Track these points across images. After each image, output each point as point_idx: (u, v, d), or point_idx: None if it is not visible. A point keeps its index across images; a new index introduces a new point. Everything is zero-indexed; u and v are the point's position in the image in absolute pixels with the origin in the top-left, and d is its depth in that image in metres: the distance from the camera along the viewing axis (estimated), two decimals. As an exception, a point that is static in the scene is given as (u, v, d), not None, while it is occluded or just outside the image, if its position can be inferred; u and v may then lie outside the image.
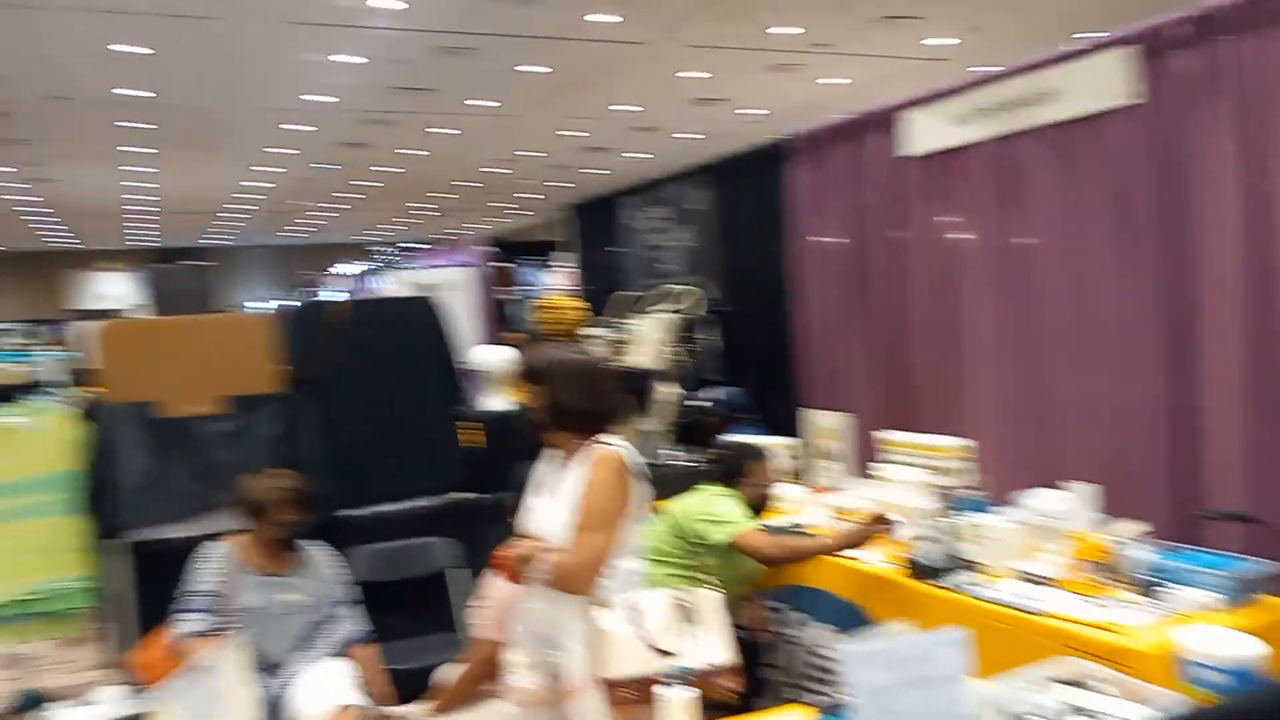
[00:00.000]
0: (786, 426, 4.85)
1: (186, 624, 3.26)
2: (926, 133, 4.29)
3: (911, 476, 3.81)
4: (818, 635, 3.63)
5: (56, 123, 13.58)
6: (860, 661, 1.83)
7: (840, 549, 3.44)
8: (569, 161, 19.12)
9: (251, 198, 22.17)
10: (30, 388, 3.81)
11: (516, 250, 11.94)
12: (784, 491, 4.26)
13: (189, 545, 3.77)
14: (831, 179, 4.89)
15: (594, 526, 2.49)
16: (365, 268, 14.93)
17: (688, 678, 2.25)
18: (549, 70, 12.25)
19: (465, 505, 4.21)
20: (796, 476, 4.56)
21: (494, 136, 16.18)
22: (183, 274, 5.17)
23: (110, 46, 10.29)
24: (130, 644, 3.75)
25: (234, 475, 3.87)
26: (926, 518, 3.40)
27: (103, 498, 3.68)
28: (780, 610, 3.77)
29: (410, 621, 3.67)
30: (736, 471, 3.73)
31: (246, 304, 26.38)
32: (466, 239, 10.34)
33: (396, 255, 11.80)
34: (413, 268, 10.23)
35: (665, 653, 2.37)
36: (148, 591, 3.79)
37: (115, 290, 31.60)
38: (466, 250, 9.99)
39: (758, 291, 5.53)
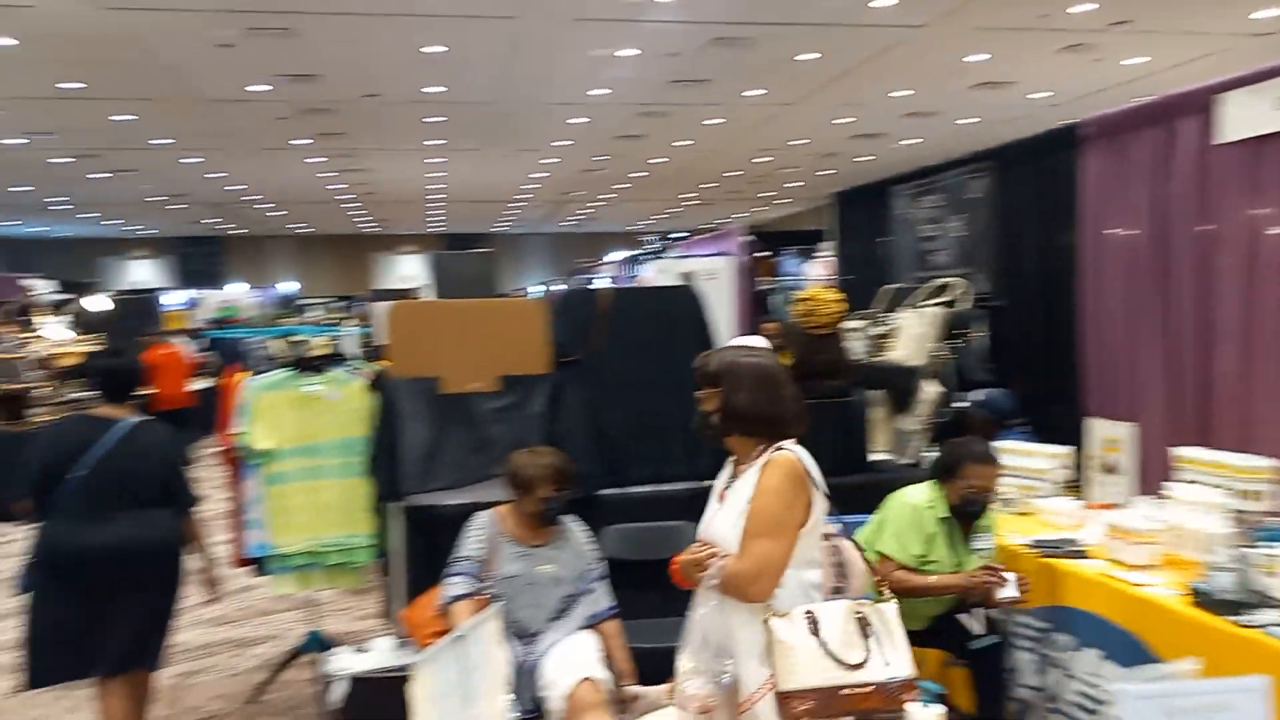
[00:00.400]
0: (1060, 434, 4.49)
1: (453, 587, 3.48)
2: (1246, 117, 3.81)
3: (1207, 498, 3.42)
4: (1089, 663, 3.34)
5: (369, 119, 14.96)
6: (1139, 703, 1.64)
7: (947, 592, 3.36)
8: (837, 149, 18.77)
9: (534, 188, 23.51)
10: (333, 359, 4.15)
11: (777, 240, 11.82)
12: (1055, 505, 3.96)
13: (459, 513, 4.03)
14: (1131, 166, 4.47)
15: (764, 533, 2.43)
16: (631, 255, 15.35)
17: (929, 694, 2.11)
18: (823, 57, 12.04)
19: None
20: (1071, 489, 4.22)
21: (764, 126, 16.17)
22: (466, 260, 5.57)
23: (422, 50, 11.16)
24: (402, 600, 4.06)
25: (504, 450, 4.10)
26: (1222, 545, 3.04)
27: (386, 464, 4.00)
28: (1045, 631, 3.50)
29: (655, 602, 3.71)
30: (951, 470, 3.56)
31: (529, 288, 27.95)
32: (729, 228, 10.37)
33: (661, 243, 12.05)
34: (675, 256, 10.37)
35: (849, 665, 2.30)
36: (419, 553, 4.08)
37: (413, 272, 34.53)
38: (727, 239, 10.01)
39: (1037, 286, 5.16)
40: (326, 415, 4.10)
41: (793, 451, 2.51)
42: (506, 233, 34.38)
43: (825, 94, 13.96)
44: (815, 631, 2.34)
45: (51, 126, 14.70)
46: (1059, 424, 4.70)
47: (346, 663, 3.87)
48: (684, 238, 12.72)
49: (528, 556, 3.56)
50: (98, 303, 10.91)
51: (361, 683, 3.75)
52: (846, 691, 2.28)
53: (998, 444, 4.47)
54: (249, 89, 12.78)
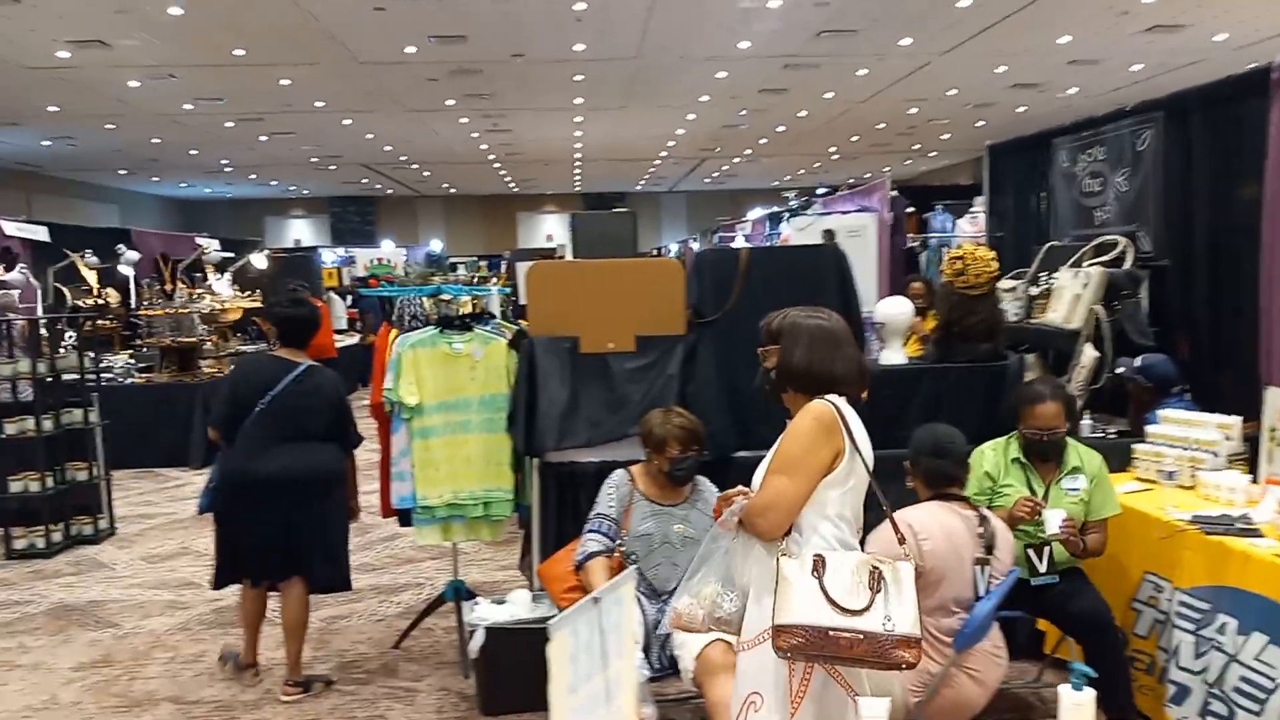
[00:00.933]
0: (1228, 403, 4.17)
1: (588, 544, 3.52)
2: None
3: (1407, 479, 3.11)
4: (1255, 648, 3.11)
5: (515, 79, 15.16)
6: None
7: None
8: (992, 99, 17.94)
9: (674, 145, 23.42)
10: (478, 317, 4.23)
11: (925, 195, 11.39)
12: (1221, 479, 3.69)
13: (594, 470, 4.08)
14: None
15: (779, 469, 2.48)
16: (771, 212, 15.09)
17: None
18: (980, 2, 11.48)
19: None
20: (1239, 462, 3.92)
21: (915, 76, 15.57)
22: (605, 220, 5.56)
23: (571, 6, 11.18)
24: (539, 553, 4.14)
25: (639, 409, 4.10)
26: None
27: (525, 420, 4.06)
28: (1207, 613, 3.28)
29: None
30: (1015, 414, 3.78)
31: (669, 246, 27.95)
32: (873, 183, 10.03)
33: (804, 199, 11.76)
34: (817, 213, 10.12)
35: (846, 609, 2.32)
36: (555, 508, 4.15)
37: (554, 231, 35.08)
38: (872, 194, 9.69)
39: (1206, 246, 4.78)
40: (470, 372, 4.19)
41: (831, 402, 2.50)
42: (645, 191, 34.46)
43: (981, 41, 13.32)
44: (818, 574, 2.37)
45: (219, 91, 15.48)
46: (1227, 392, 4.37)
47: (485, 614, 3.99)
48: (826, 193, 12.38)
49: (660, 515, 3.57)
50: (261, 260, 11.49)
51: (497, 634, 3.86)
52: (835, 634, 2.31)
53: (1162, 412, 4.22)
54: (403, 50, 13.11)
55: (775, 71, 15.11)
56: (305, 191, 32.21)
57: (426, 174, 28.13)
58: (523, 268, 4.87)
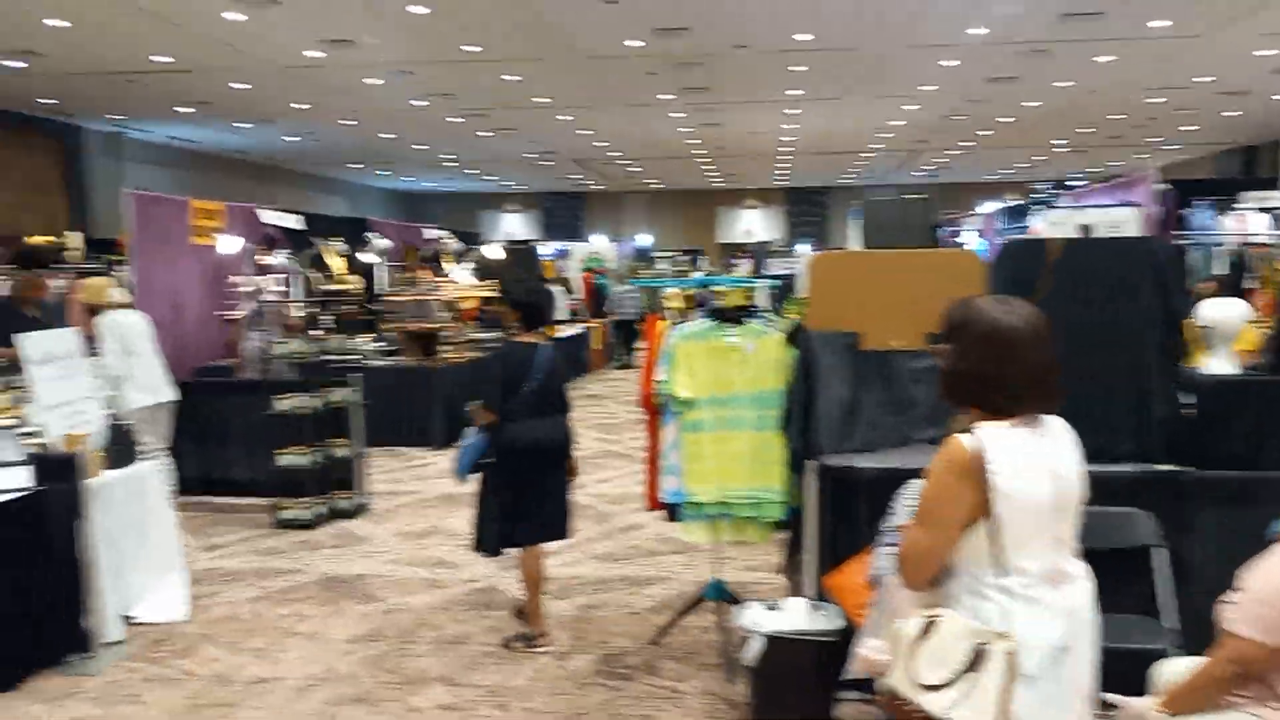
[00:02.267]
0: None
1: (887, 559, 3.29)
2: None
3: None
4: None
5: (734, 71, 15.03)
6: None
7: None
8: (1252, 86, 16.37)
9: (888, 137, 22.69)
10: (750, 311, 4.07)
11: (1187, 189, 10.42)
12: None
13: (876, 476, 3.83)
14: None
15: (916, 519, 2.27)
16: (1008, 205, 14.28)
17: None
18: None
19: (1170, 478, 3.70)
20: None
21: (1164, 62, 14.40)
22: (897, 206, 5.27)
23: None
24: (813, 561, 3.94)
25: (926, 413, 3.84)
26: None
27: (800, 420, 3.88)
28: None
29: (1103, 596, 3.30)
30: None
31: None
32: (1135, 175, 9.25)
33: (1049, 193, 11.02)
34: (1069, 206, 9.43)
35: (920, 682, 2.09)
36: (832, 514, 3.93)
37: (754, 226, 34.83)
38: (1134, 188, 8.93)
39: None
40: (742, 367, 4.05)
41: (975, 438, 2.14)
42: (850, 184, 33.63)
43: (1246, 21, 12.11)
44: (922, 635, 2.15)
45: (451, 88, 16.13)
46: None
47: (758, 619, 3.83)
48: (1074, 187, 11.57)
49: (967, 533, 3.29)
50: (494, 251, 11.85)
51: (777, 642, 3.69)
52: (900, 703, 2.15)
53: None
54: (625, 44, 13.22)
55: (1008, 59, 14.32)
56: (520, 187, 33.31)
57: (635, 169, 28.49)
58: (803, 258, 4.68)
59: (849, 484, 3.91)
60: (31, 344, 4.59)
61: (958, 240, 14.53)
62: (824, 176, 31.43)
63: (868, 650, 2.56)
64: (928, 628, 2.17)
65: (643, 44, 13.28)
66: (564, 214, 34.35)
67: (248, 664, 4.47)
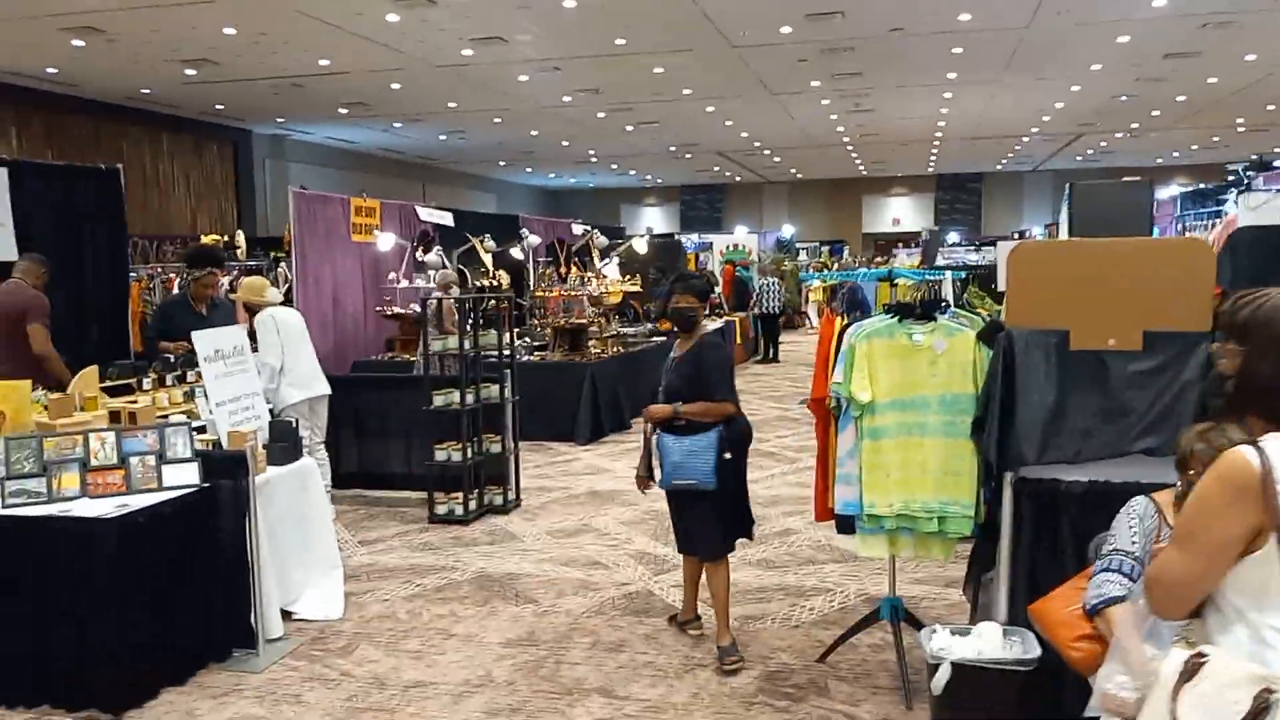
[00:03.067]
0: None
1: (1107, 586, 2.90)
2: None
3: None
4: None
5: (888, 56, 14.45)
6: None
7: None
8: None
9: (1048, 120, 21.50)
10: (938, 306, 3.71)
11: None
12: None
13: (1083, 491, 3.44)
14: None
15: (1174, 539, 1.94)
16: (1191, 190, 13.20)
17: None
18: None
19: None
20: None
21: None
22: (1111, 191, 4.80)
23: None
24: (1007, 583, 3.57)
25: (1143, 421, 3.41)
26: None
27: (997, 426, 3.50)
28: None
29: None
30: None
31: (1033, 230, 25.79)
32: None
33: (1245, 174, 10.04)
34: (1269, 189, 8.56)
35: None
36: (1032, 531, 3.55)
37: (903, 215, 33.77)
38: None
39: None
40: (930, 368, 3.70)
41: (1261, 452, 1.78)
42: (1005, 170, 32.19)
43: None
44: (1184, 680, 1.84)
45: (597, 83, 16.11)
46: None
47: (945, 644, 3.48)
48: (1276, 166, 10.53)
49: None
50: (642, 245, 11.72)
51: (967, 671, 3.35)
52: None
53: None
54: (779, 31, 12.86)
55: (1190, 32, 13.27)
56: (659, 180, 33.28)
57: (777, 160, 28.00)
58: (1003, 248, 4.28)
59: (1052, 499, 3.52)
60: (203, 341, 4.65)
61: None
62: (978, 162, 30.16)
63: (1114, 687, 2.26)
64: (1193, 668, 1.86)
65: (794, 30, 12.90)
66: (703, 206, 34.13)
67: (404, 666, 4.39)
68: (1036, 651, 3.31)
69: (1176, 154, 28.28)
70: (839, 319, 3.99)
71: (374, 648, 4.61)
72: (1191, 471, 2.80)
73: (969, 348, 3.70)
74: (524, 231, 10.21)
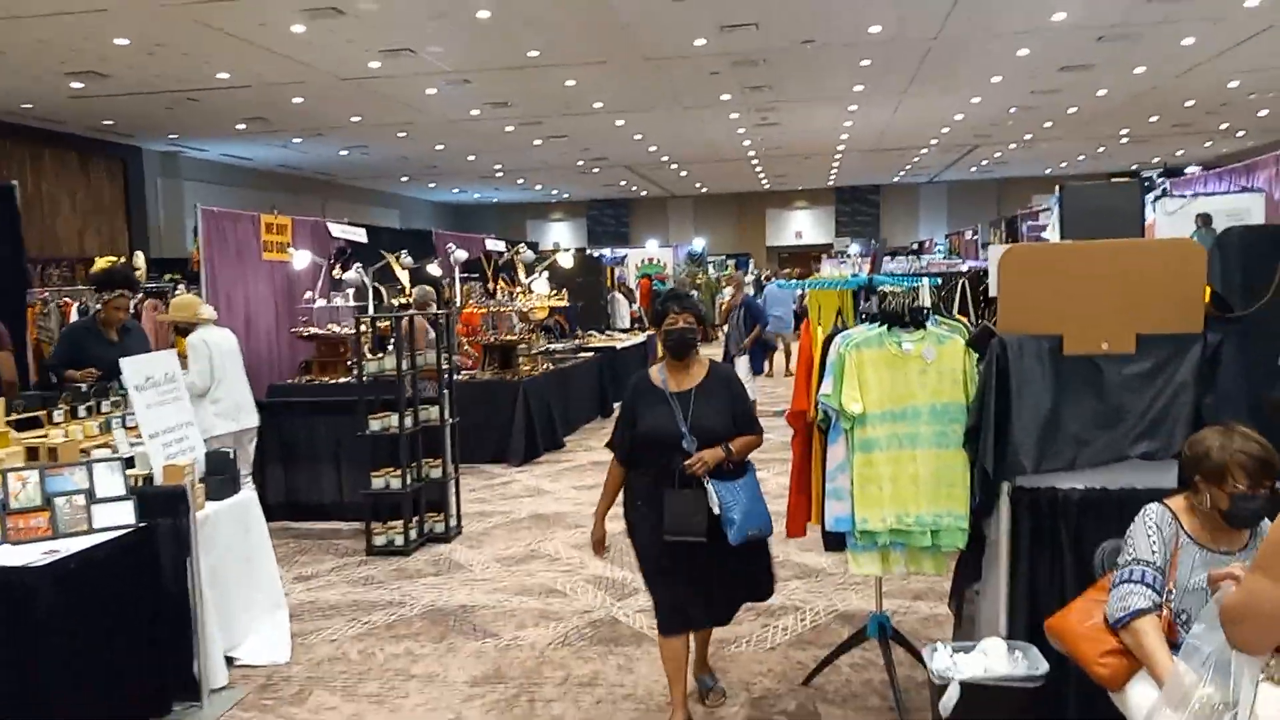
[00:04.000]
0: None
1: (1131, 598, 2.83)
2: None
3: None
4: None
5: (798, 67, 14.59)
6: None
7: None
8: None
9: (946, 133, 22.09)
10: (924, 313, 3.63)
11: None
12: None
13: (1080, 498, 3.39)
14: None
15: (1263, 565, 1.84)
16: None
17: None
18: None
19: None
20: None
21: (1253, 41, 13.69)
22: (1103, 193, 4.79)
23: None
24: (1007, 596, 3.50)
25: (1142, 425, 3.37)
26: None
27: (991, 435, 3.43)
28: None
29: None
30: None
31: (934, 240, 26.50)
32: (1258, 159, 8.67)
33: (1158, 180, 10.44)
34: (1180, 195, 8.88)
35: None
36: (1029, 542, 3.48)
37: (804, 228, 34.34)
38: (1257, 173, 8.36)
39: None
40: (920, 377, 3.60)
41: None
42: (902, 183, 33.04)
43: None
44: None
45: (507, 96, 15.84)
46: None
47: (949, 663, 3.38)
48: (1183, 174, 10.97)
49: (1216, 565, 2.82)
50: (567, 259, 11.51)
51: (977, 690, 3.24)
52: None
53: None
54: (693, 44, 12.84)
55: (1087, 44, 13.75)
56: (565, 195, 33.08)
57: (684, 174, 28.11)
58: (994, 253, 4.23)
59: (1050, 507, 3.46)
60: (131, 368, 4.26)
61: (1042, 236, 13.95)
62: (877, 175, 30.86)
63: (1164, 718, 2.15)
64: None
65: (707, 42, 12.90)
66: (609, 221, 34.08)
67: (366, 712, 4.09)
68: (1044, 666, 3.23)
69: (1064, 164, 29.43)
70: (820, 329, 3.87)
71: (329, 693, 4.28)
72: (1234, 482, 2.75)
73: (959, 355, 3.62)
74: (451, 246, 9.89)
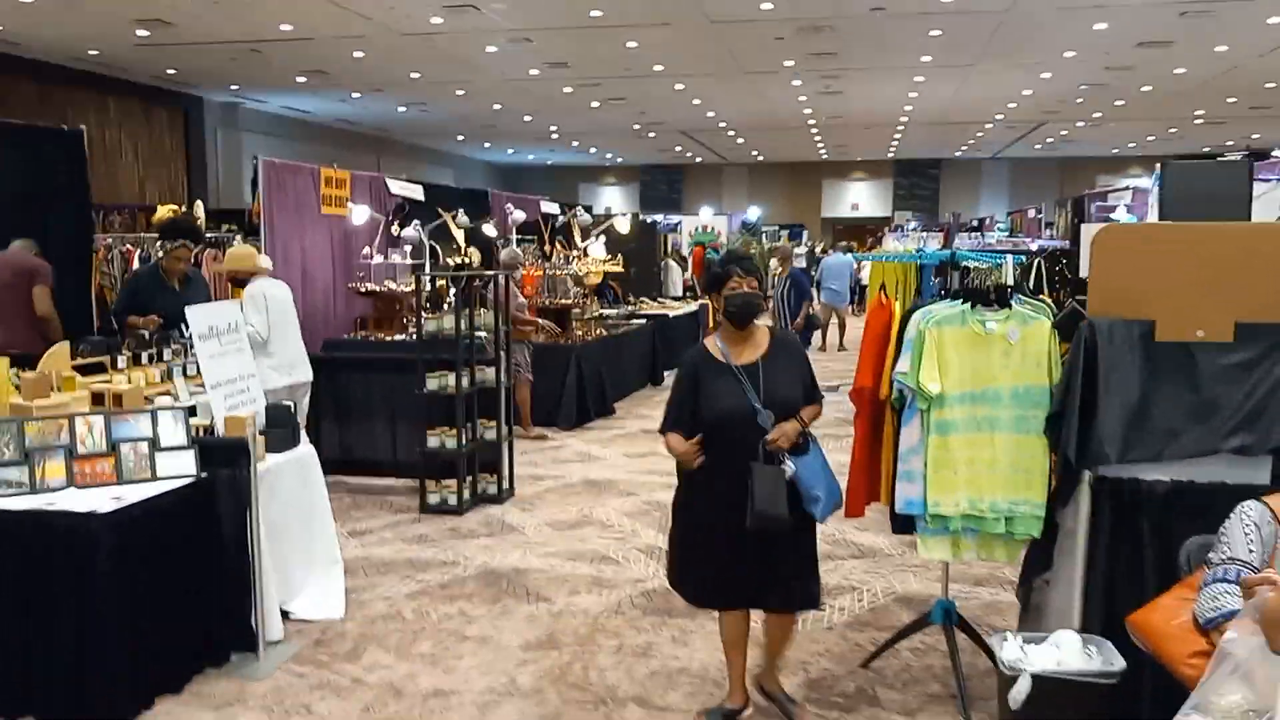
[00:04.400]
0: None
1: (1224, 598, 2.70)
2: None
3: None
4: None
5: (866, 36, 14.25)
6: None
7: None
8: None
9: (1013, 108, 21.53)
10: (1009, 291, 3.49)
11: None
12: None
13: (1167, 491, 3.27)
14: None
15: None
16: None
17: None
18: None
19: None
20: None
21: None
22: (1208, 171, 4.58)
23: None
24: (1081, 591, 3.38)
25: (1234, 418, 3.22)
26: None
27: (1075, 421, 3.30)
28: None
29: None
30: None
31: (997, 217, 25.93)
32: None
33: (1245, 160, 10.00)
34: (1267, 178, 8.52)
35: None
36: (1109, 535, 3.35)
37: (862, 200, 33.82)
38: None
39: None
40: (1004, 358, 3.46)
41: None
42: (964, 158, 32.36)
43: None
44: None
45: (567, 56, 15.68)
46: None
47: (1019, 653, 3.28)
48: (1264, 157, 10.52)
49: (1320, 568, 2.69)
50: (624, 224, 11.40)
51: (1048, 683, 3.14)
52: None
53: None
54: (760, 7, 12.57)
55: (1168, 20, 13.26)
56: (620, 159, 32.87)
57: (740, 141, 27.76)
58: (1087, 231, 4.06)
59: (1133, 499, 3.33)
60: (196, 317, 4.26)
61: (1111, 217, 13.54)
62: (938, 149, 30.24)
63: None
64: None
65: (774, 6, 12.62)
66: (662, 186, 33.83)
67: (420, 672, 4.08)
68: (1120, 662, 3.12)
69: (1132, 144, 28.62)
70: (891, 302, 3.74)
71: (384, 651, 4.29)
72: None
73: (1044, 337, 3.48)
74: (509, 207, 9.82)
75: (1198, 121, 23.79)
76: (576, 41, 14.58)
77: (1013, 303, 3.52)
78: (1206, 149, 29.27)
